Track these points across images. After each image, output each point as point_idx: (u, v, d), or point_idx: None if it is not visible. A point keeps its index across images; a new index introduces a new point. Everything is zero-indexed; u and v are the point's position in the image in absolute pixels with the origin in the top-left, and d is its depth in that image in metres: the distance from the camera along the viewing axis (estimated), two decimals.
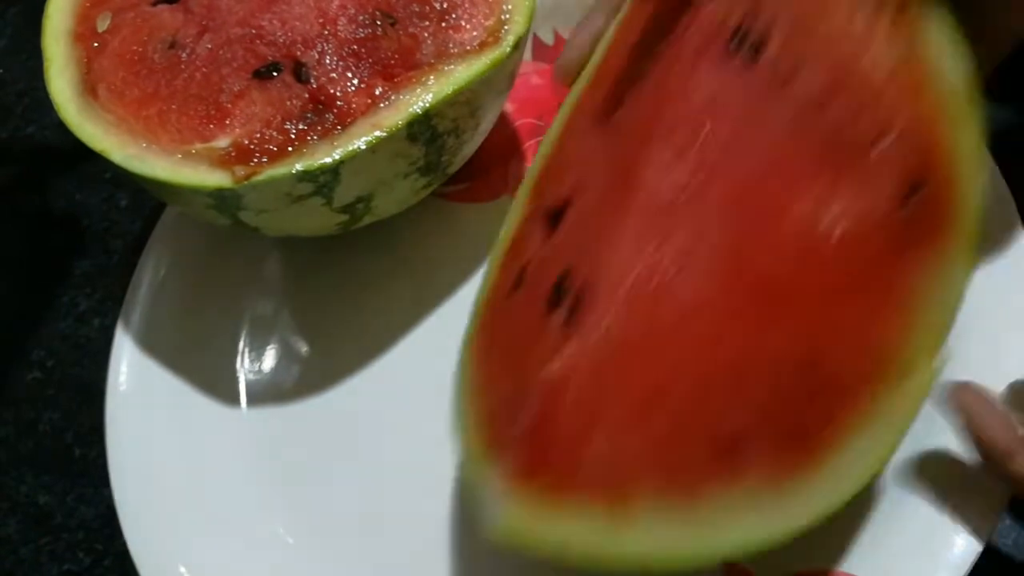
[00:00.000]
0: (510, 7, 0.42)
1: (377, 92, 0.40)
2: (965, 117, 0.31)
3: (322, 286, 0.50)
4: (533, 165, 0.41)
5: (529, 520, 0.30)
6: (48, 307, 0.54)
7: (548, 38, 0.53)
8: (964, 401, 0.35)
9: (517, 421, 0.31)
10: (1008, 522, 0.43)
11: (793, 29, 0.32)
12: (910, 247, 0.31)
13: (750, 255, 0.31)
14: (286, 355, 0.48)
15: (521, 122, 0.52)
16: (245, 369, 0.48)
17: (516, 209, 0.40)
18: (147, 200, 0.57)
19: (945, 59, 0.31)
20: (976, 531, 0.36)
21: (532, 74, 0.53)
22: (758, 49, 0.32)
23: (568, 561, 0.30)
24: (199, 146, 0.39)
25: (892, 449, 0.31)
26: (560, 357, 0.31)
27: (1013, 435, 0.34)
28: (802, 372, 0.30)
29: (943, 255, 0.31)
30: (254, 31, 0.41)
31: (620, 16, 0.40)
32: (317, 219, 0.42)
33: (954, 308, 0.31)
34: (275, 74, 0.40)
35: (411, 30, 0.41)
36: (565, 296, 0.33)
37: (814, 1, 0.32)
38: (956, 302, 0.31)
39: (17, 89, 0.62)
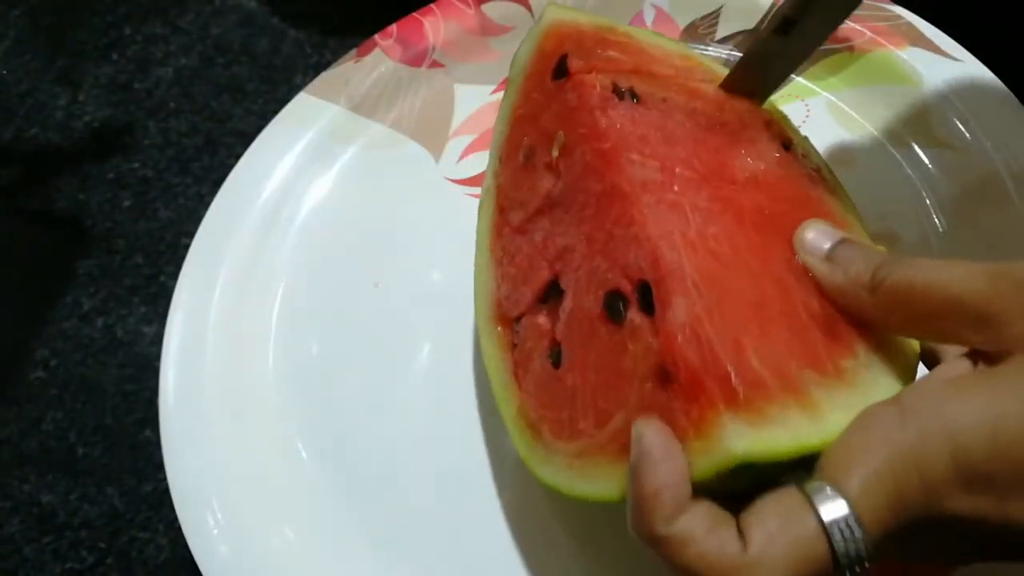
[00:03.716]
0: None
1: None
2: (776, 111, 0.45)
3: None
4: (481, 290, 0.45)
5: (753, 436, 0.32)
6: (51, 307, 0.55)
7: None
8: (646, 435, 0.32)
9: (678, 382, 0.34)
10: None
11: (645, 80, 0.44)
12: (806, 170, 0.43)
13: (734, 200, 0.39)
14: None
15: None
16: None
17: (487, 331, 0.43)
18: (149, 201, 0.58)
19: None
20: None
21: None
22: (634, 95, 0.42)
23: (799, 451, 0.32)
24: None
25: None
26: (676, 322, 0.34)
27: (672, 494, 0.30)
28: None
29: (826, 175, 0.43)
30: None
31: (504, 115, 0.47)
32: None
33: (852, 204, 0.42)
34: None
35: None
36: (626, 305, 0.37)
37: (645, 58, 0.45)
38: (851, 200, 0.42)
39: (20, 90, 0.62)
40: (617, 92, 0.42)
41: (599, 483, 0.35)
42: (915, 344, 0.36)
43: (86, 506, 0.49)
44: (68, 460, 0.50)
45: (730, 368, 0.33)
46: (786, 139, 0.43)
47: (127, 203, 0.58)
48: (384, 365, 0.48)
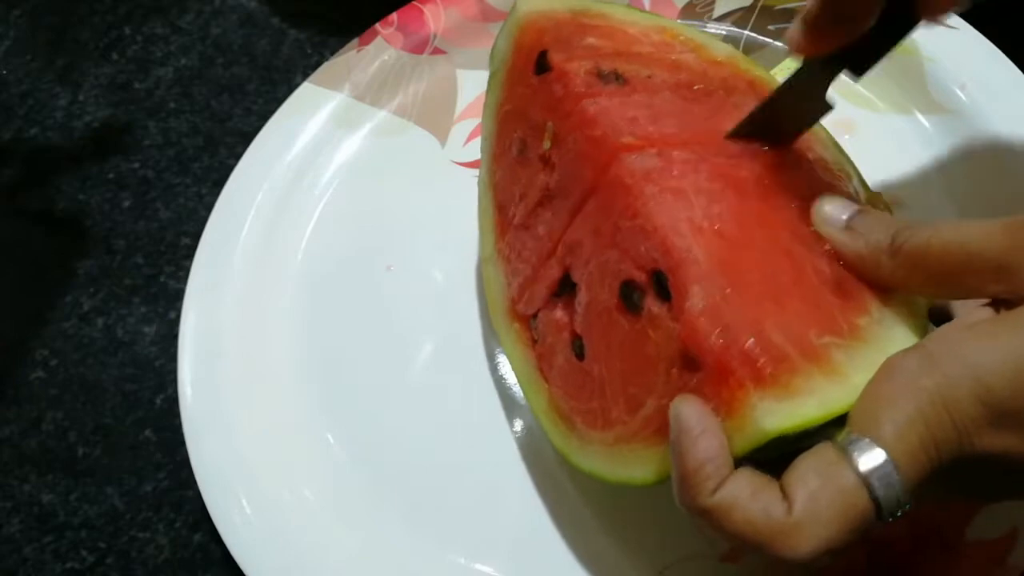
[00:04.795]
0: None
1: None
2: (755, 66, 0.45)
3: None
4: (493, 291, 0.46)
5: (783, 411, 0.33)
6: (51, 307, 0.54)
7: None
8: (683, 413, 0.32)
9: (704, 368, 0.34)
10: None
11: (626, 60, 0.43)
12: None
13: (732, 174, 0.39)
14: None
15: None
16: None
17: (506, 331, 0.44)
18: (149, 201, 0.57)
19: (717, 46, 0.46)
20: None
21: None
22: (618, 76, 0.43)
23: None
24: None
25: None
26: (696, 310, 0.35)
27: (714, 466, 0.31)
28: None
29: (813, 131, 0.42)
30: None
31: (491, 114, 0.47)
32: None
33: (844, 154, 0.42)
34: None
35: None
36: (642, 295, 0.37)
37: (624, 39, 0.44)
38: (841, 151, 0.43)
39: (20, 90, 0.62)
40: (601, 75, 0.42)
41: (637, 467, 0.36)
42: (924, 304, 0.36)
43: (86, 506, 0.49)
44: (68, 460, 0.50)
45: (753, 347, 0.33)
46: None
47: (127, 203, 0.58)
48: (400, 346, 0.49)
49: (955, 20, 0.52)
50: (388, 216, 0.53)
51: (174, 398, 0.48)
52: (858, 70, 0.38)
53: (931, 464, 0.30)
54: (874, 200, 0.40)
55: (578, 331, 0.40)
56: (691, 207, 0.38)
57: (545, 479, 0.45)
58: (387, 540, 0.45)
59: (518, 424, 0.47)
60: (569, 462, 0.40)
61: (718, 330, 0.34)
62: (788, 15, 0.55)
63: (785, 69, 0.54)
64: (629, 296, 0.38)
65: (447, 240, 0.51)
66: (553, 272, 0.42)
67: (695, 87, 0.43)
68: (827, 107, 0.39)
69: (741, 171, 0.39)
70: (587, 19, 0.45)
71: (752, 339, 0.34)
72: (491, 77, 0.47)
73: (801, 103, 0.39)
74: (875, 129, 0.51)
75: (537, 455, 0.46)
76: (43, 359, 0.53)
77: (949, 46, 0.51)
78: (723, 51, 0.45)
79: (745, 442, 0.32)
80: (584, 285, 0.40)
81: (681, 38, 0.45)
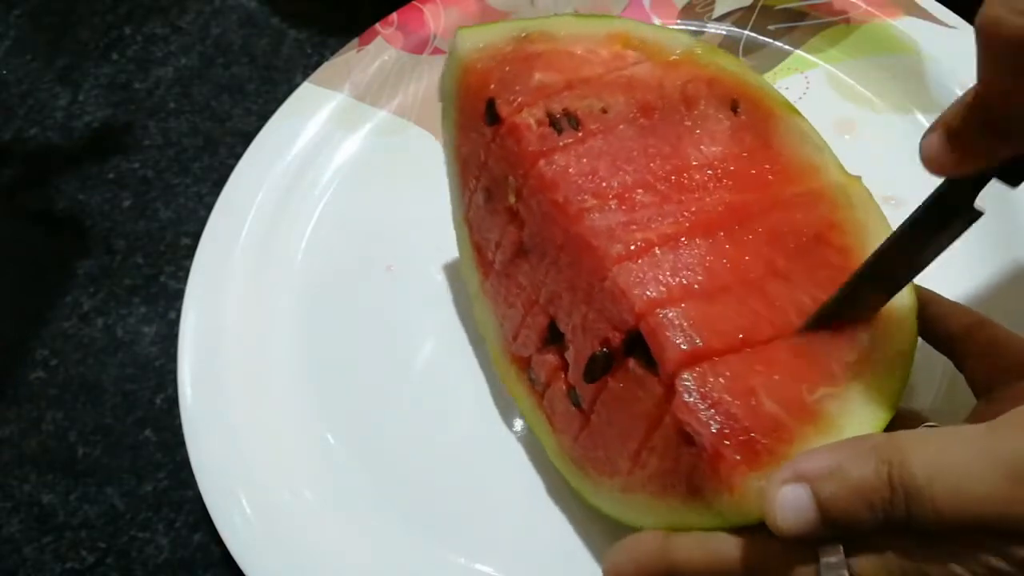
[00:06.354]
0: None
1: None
2: (732, 65, 0.44)
3: None
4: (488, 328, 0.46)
5: None
6: (51, 307, 0.54)
7: None
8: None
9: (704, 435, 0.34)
10: None
11: (579, 91, 0.41)
12: (761, 127, 0.41)
13: (700, 210, 0.38)
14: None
15: None
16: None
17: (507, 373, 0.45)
18: (149, 201, 0.58)
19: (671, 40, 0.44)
20: None
21: None
22: (572, 119, 0.41)
23: None
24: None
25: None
26: (687, 392, 0.35)
27: None
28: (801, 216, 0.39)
29: (782, 120, 0.42)
30: None
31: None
32: None
33: (818, 139, 0.41)
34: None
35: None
36: (623, 355, 0.37)
37: (573, 64, 0.42)
38: (815, 136, 0.41)
39: (20, 90, 0.62)
40: (554, 123, 0.41)
41: (647, 516, 0.37)
42: (912, 327, 0.36)
43: (86, 506, 0.49)
44: (68, 460, 0.50)
45: (748, 425, 0.33)
46: (735, 96, 0.42)
47: (127, 203, 0.58)
48: (400, 346, 0.50)
49: (955, 20, 0.52)
50: (388, 216, 0.53)
51: (174, 398, 0.48)
52: (1014, 181, 0.31)
53: None
54: (853, 183, 0.40)
55: (571, 382, 0.40)
56: (658, 265, 0.37)
57: (545, 479, 0.45)
58: (387, 540, 0.45)
59: (518, 424, 0.47)
60: (585, 503, 0.40)
61: (711, 409, 0.34)
62: (788, 15, 0.55)
63: (786, 69, 0.54)
64: (610, 356, 0.38)
65: (447, 240, 0.51)
66: (540, 320, 0.42)
67: (653, 110, 0.41)
68: (975, 216, 0.32)
69: (707, 202, 0.39)
70: (531, 46, 0.43)
71: (745, 414, 0.33)
72: (444, 112, 0.46)
73: (939, 231, 0.33)
74: (875, 129, 0.51)
75: (537, 455, 0.46)
76: (43, 359, 0.53)
77: (949, 46, 0.51)
78: (679, 46, 0.44)
79: (744, 518, 0.33)
80: (570, 338, 0.40)
81: (633, 42, 0.44)
